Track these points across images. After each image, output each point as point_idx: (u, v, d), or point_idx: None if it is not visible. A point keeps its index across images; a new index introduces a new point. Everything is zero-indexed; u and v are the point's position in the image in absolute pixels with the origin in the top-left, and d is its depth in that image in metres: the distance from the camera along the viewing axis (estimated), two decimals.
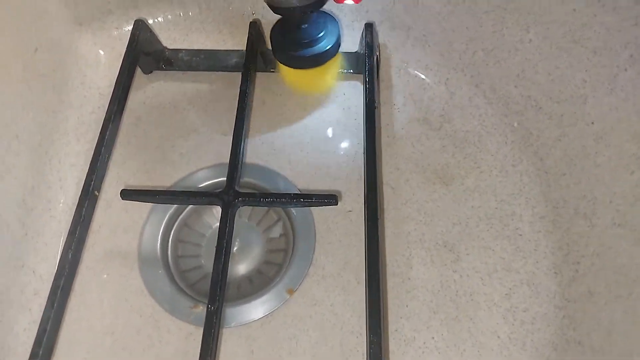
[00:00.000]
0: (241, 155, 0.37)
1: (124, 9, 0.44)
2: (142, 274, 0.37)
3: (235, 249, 0.40)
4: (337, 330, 0.35)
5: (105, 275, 0.37)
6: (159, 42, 0.45)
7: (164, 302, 0.36)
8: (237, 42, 0.47)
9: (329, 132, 0.43)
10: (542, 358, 0.32)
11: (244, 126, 0.38)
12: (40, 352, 0.29)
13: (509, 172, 0.40)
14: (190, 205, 0.41)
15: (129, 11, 0.45)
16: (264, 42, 0.46)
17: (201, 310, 0.36)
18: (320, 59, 0.39)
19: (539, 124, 0.37)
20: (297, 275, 0.37)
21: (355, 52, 0.46)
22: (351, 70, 0.46)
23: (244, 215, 0.42)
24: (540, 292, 0.35)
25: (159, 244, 0.39)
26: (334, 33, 0.39)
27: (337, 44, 0.40)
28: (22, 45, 0.38)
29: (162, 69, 0.46)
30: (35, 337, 0.30)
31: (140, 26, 0.43)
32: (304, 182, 0.41)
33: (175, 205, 0.40)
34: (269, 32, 0.40)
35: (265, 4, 0.45)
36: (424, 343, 0.34)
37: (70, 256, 0.32)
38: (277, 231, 0.41)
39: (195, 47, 0.46)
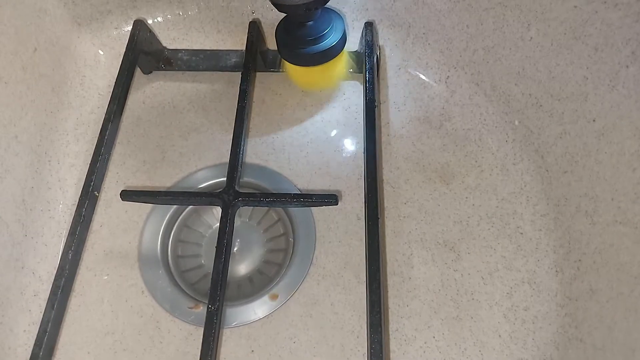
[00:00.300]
0: (241, 155, 0.37)
1: (123, 8, 0.44)
2: (142, 274, 0.37)
3: (235, 249, 0.40)
4: (337, 330, 0.35)
5: (105, 276, 0.37)
6: (159, 42, 0.45)
7: (165, 302, 0.36)
8: (237, 42, 0.47)
9: (329, 131, 0.43)
10: (544, 356, 0.32)
11: (244, 126, 0.38)
12: (41, 353, 0.29)
13: (510, 170, 0.39)
14: (190, 206, 0.41)
15: (128, 11, 0.45)
16: (264, 42, 0.46)
17: (201, 310, 0.36)
18: (327, 56, 0.39)
19: (539, 121, 0.37)
20: (298, 275, 0.37)
21: (356, 51, 0.46)
22: (351, 70, 0.46)
23: (244, 215, 0.42)
24: (542, 291, 0.35)
25: (159, 244, 0.39)
26: (340, 29, 0.39)
27: (343, 40, 0.39)
28: (21, 45, 0.38)
29: (161, 69, 0.46)
30: (36, 338, 0.30)
31: (139, 26, 0.43)
32: (304, 182, 0.41)
33: (176, 205, 0.40)
34: (274, 31, 0.40)
35: (264, 4, 0.45)
36: (425, 342, 0.34)
37: (70, 257, 0.32)
38: (277, 231, 0.41)
39: (195, 47, 0.46)
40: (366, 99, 0.40)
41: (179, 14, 0.46)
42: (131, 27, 0.43)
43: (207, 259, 0.40)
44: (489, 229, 0.38)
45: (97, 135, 0.39)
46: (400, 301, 0.36)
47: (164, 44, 0.46)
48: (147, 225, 0.39)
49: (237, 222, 0.40)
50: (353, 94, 0.45)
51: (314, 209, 0.39)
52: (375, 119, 0.38)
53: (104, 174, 0.37)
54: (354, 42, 0.46)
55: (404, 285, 0.36)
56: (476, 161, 0.41)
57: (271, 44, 0.47)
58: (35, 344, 0.29)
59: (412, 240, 0.38)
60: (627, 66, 0.29)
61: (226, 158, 0.41)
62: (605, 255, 0.30)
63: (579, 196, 0.33)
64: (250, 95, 0.41)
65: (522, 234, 0.37)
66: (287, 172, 0.41)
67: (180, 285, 0.38)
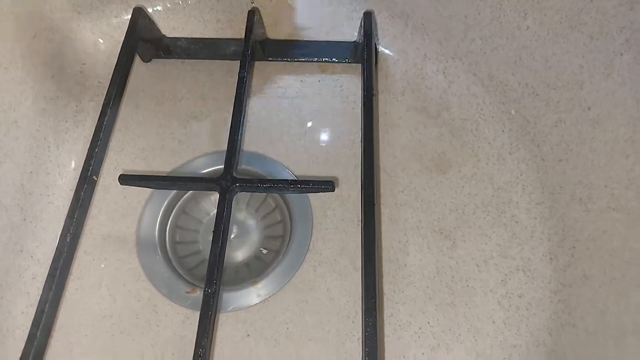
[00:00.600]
0: (239, 142, 0.37)
1: None
2: (140, 259, 0.38)
3: (233, 235, 0.40)
4: (333, 315, 0.35)
5: (103, 260, 0.37)
6: (158, 30, 0.45)
7: (162, 287, 0.37)
8: (236, 30, 0.47)
9: (327, 120, 0.43)
10: (537, 342, 0.33)
11: (242, 113, 0.38)
12: (38, 333, 0.29)
13: (506, 159, 0.40)
14: (188, 193, 0.41)
15: None
16: (263, 30, 0.46)
17: (198, 294, 0.36)
18: None
19: (535, 110, 0.37)
20: (294, 261, 0.37)
21: (354, 41, 0.46)
22: (350, 60, 0.46)
23: (241, 202, 0.42)
24: (536, 278, 0.35)
25: (157, 230, 0.39)
26: None
27: None
28: (21, 32, 0.38)
29: (161, 57, 0.46)
30: (33, 319, 0.30)
31: (139, 14, 0.43)
32: (301, 170, 0.41)
33: (174, 191, 0.41)
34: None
35: None
36: (420, 328, 0.35)
37: (68, 239, 0.32)
38: (274, 218, 0.41)
39: (194, 36, 0.46)
40: (364, 88, 0.40)
41: (179, 2, 0.46)
42: (131, 15, 0.44)
43: (204, 245, 0.40)
44: (484, 217, 0.38)
45: (96, 122, 0.39)
46: (395, 287, 0.36)
47: (164, 33, 0.46)
48: (146, 211, 0.40)
49: (235, 209, 0.41)
50: (351, 83, 0.45)
51: (311, 196, 0.40)
52: (373, 108, 0.38)
53: (103, 160, 0.37)
54: (352, 34, 0.46)
55: (400, 271, 0.37)
56: (473, 150, 0.41)
57: (270, 33, 0.47)
58: (32, 324, 0.30)
59: (408, 228, 0.38)
60: (622, 54, 0.29)
61: (224, 146, 0.41)
62: (599, 241, 0.30)
63: (574, 184, 0.33)
64: (248, 83, 0.41)
65: (517, 222, 0.37)
66: (285, 160, 0.41)
67: (178, 270, 0.38)
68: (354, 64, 0.46)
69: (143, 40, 0.44)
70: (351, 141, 0.42)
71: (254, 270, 0.39)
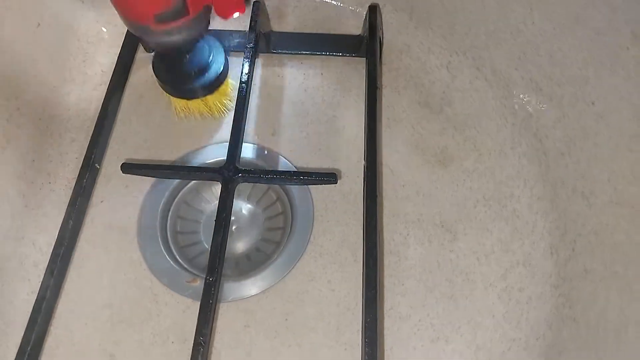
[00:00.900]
0: (242, 133, 0.37)
1: None
2: (141, 249, 0.38)
3: (234, 227, 0.40)
4: (333, 307, 0.35)
5: (104, 249, 0.37)
6: None
7: (163, 277, 0.37)
8: (240, 22, 0.47)
9: (330, 113, 0.43)
10: (537, 336, 0.33)
11: (246, 104, 0.38)
12: (39, 319, 0.29)
13: (508, 154, 0.40)
14: (190, 183, 0.41)
15: None
16: (268, 22, 0.46)
17: (199, 284, 0.36)
18: (213, 86, 0.39)
19: (539, 105, 0.37)
20: (295, 252, 0.37)
21: (358, 35, 0.46)
22: (354, 54, 0.46)
23: (243, 194, 0.42)
24: (536, 272, 0.35)
25: (158, 220, 0.39)
26: (220, 56, 0.39)
27: (226, 68, 0.40)
28: (25, 20, 0.38)
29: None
30: (34, 304, 0.30)
31: None
32: (303, 163, 0.41)
33: (175, 182, 0.40)
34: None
35: None
36: (419, 320, 0.35)
37: (70, 226, 0.32)
38: (276, 210, 0.41)
39: None
40: (368, 82, 0.40)
41: None
42: None
43: (205, 236, 0.40)
44: (485, 212, 0.38)
45: (99, 110, 0.39)
46: (395, 280, 0.36)
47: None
48: (147, 201, 0.40)
49: (236, 200, 0.41)
50: (355, 77, 0.45)
51: (312, 189, 0.40)
52: (376, 101, 0.38)
53: (105, 148, 0.37)
54: (357, 27, 0.46)
55: (400, 264, 0.37)
56: (475, 145, 0.41)
57: (275, 25, 0.47)
58: (33, 310, 0.30)
59: (409, 221, 0.38)
60: (628, 48, 0.29)
61: (227, 138, 0.41)
62: (601, 235, 0.30)
63: (576, 178, 0.33)
64: (252, 75, 0.41)
65: (518, 216, 0.37)
66: (287, 153, 0.41)
67: (179, 260, 0.38)
68: (358, 58, 0.46)
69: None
70: (354, 135, 0.42)
71: (255, 261, 0.39)
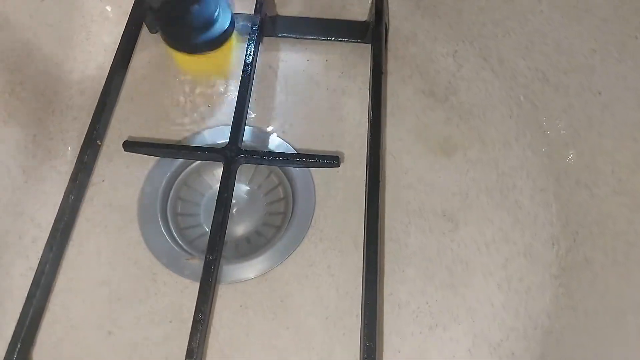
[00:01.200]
0: (245, 115, 0.37)
1: None
2: (141, 228, 0.37)
3: (234, 210, 0.40)
4: (332, 291, 0.35)
5: (103, 227, 0.37)
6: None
7: (162, 256, 0.36)
8: (246, 5, 0.46)
9: (333, 99, 0.43)
10: (535, 325, 0.33)
11: (249, 86, 0.38)
12: (37, 293, 0.29)
13: (512, 145, 0.40)
14: (191, 165, 0.41)
15: None
16: (274, 6, 0.46)
17: (197, 263, 0.36)
18: (217, 42, 0.39)
19: (545, 96, 0.37)
20: (296, 236, 0.37)
21: (364, 21, 0.46)
22: (359, 40, 0.45)
23: (244, 178, 0.42)
24: (537, 263, 0.35)
25: (158, 200, 0.39)
26: (227, 12, 0.39)
27: (232, 25, 0.40)
28: None
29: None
30: (33, 278, 0.30)
31: None
32: (305, 147, 0.41)
33: (177, 163, 0.40)
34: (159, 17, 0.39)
35: None
36: (418, 307, 0.35)
37: (70, 201, 0.32)
38: (277, 194, 0.41)
39: None
40: (372, 67, 0.40)
41: None
42: None
43: (205, 219, 0.40)
44: (487, 202, 0.38)
45: (102, 89, 0.39)
46: (395, 266, 0.36)
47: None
48: (148, 181, 0.39)
49: (238, 184, 0.40)
50: (359, 64, 0.45)
51: (314, 174, 0.40)
52: (381, 86, 0.38)
53: (107, 125, 0.37)
54: (362, 14, 0.46)
55: (401, 251, 0.37)
56: (479, 135, 0.41)
57: (280, 9, 0.46)
58: (32, 284, 0.30)
59: (410, 209, 0.38)
60: (636, 37, 0.29)
61: (229, 120, 0.41)
62: (602, 225, 0.30)
63: (579, 169, 0.33)
64: (256, 57, 0.41)
65: (520, 207, 0.37)
66: (290, 138, 0.41)
67: (178, 241, 0.38)
68: (363, 44, 0.45)
69: (151, 10, 0.43)
70: (357, 121, 0.42)
71: (255, 245, 0.39)
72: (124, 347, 0.33)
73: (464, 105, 0.42)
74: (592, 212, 0.31)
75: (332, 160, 0.35)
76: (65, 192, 0.32)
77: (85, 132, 0.36)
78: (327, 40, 0.45)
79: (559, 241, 0.34)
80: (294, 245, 0.37)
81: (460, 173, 0.39)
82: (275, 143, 0.41)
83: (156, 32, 0.46)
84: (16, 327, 0.28)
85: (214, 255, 0.30)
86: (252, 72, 0.39)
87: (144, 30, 0.45)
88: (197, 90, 0.43)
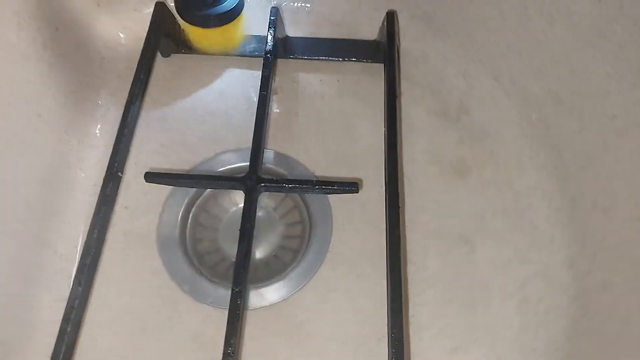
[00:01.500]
0: (263, 141, 0.37)
1: None
2: (161, 256, 0.38)
3: None
4: (353, 316, 0.36)
5: (125, 256, 0.37)
6: (179, 26, 0.45)
7: (183, 284, 0.37)
8: (256, 27, 0.47)
9: (347, 121, 0.43)
10: (556, 346, 0.33)
11: (266, 113, 0.39)
12: (68, 329, 0.30)
13: (526, 165, 0.40)
14: (208, 190, 0.41)
15: None
16: (283, 27, 0.46)
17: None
18: (227, 17, 0.41)
19: (558, 117, 0.37)
20: (314, 261, 0.38)
21: (374, 40, 0.46)
22: (370, 60, 0.46)
23: (260, 201, 0.42)
24: (555, 284, 0.35)
25: (177, 227, 0.39)
26: None
27: (242, 1, 0.41)
28: (43, 23, 0.38)
29: (181, 53, 0.46)
30: (64, 314, 0.30)
31: (161, 9, 0.43)
32: (320, 170, 0.41)
33: (193, 189, 0.41)
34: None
35: None
36: (440, 330, 0.35)
37: (95, 235, 0.32)
38: (294, 217, 0.41)
39: None
40: (387, 90, 0.40)
41: None
42: (151, 9, 0.43)
43: (224, 243, 0.41)
44: (503, 223, 0.39)
45: (117, 117, 0.39)
46: (415, 289, 0.36)
47: (184, 28, 0.46)
48: (166, 208, 0.40)
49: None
50: (371, 83, 0.45)
51: (331, 197, 0.40)
52: (396, 110, 0.39)
53: (127, 158, 0.37)
54: (372, 32, 0.46)
55: (419, 274, 0.37)
56: (492, 155, 0.41)
57: (290, 30, 0.47)
58: (63, 320, 0.30)
59: (427, 231, 0.39)
60: None
61: (244, 144, 0.41)
62: (622, 249, 0.31)
63: (596, 192, 0.34)
64: (271, 83, 0.41)
65: (536, 228, 0.38)
66: (305, 160, 0.42)
67: (198, 267, 0.38)
68: (374, 64, 0.46)
69: (164, 36, 0.43)
70: (371, 142, 0.42)
71: (273, 269, 0.39)
72: None
73: (476, 125, 0.43)
74: (611, 237, 0.32)
75: (351, 186, 0.35)
76: (90, 227, 0.33)
77: (106, 162, 0.36)
78: (338, 60, 0.46)
79: (577, 263, 0.35)
80: (313, 270, 0.38)
81: (475, 194, 0.40)
82: (291, 166, 0.41)
83: (168, 57, 0.46)
84: None
85: (240, 286, 0.31)
86: (268, 97, 0.39)
87: (157, 54, 0.45)
88: (210, 113, 0.44)
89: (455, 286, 0.36)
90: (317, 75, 0.46)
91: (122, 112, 0.39)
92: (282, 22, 0.46)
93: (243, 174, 0.37)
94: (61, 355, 0.28)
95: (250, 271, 0.39)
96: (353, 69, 0.46)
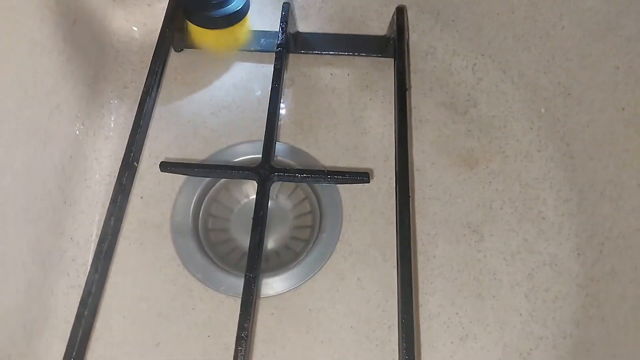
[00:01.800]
0: (276, 132, 0.38)
1: None
2: (175, 245, 0.39)
3: None
4: (363, 304, 0.36)
5: (139, 245, 0.38)
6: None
7: (197, 272, 0.38)
8: (266, 22, 0.47)
9: (357, 114, 0.44)
10: (564, 334, 0.34)
11: (278, 104, 0.39)
12: (86, 313, 0.30)
13: (534, 157, 0.41)
14: (220, 181, 0.42)
15: None
16: (294, 23, 0.47)
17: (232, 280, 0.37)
18: (233, 19, 0.42)
19: (567, 109, 0.38)
20: (325, 250, 0.38)
21: (384, 35, 0.47)
22: (379, 54, 0.46)
23: (271, 191, 0.43)
24: (563, 273, 0.36)
25: (190, 217, 0.40)
26: None
27: (247, 3, 0.43)
28: (62, 16, 0.38)
29: (193, 48, 0.46)
30: (80, 300, 0.31)
31: (174, 4, 0.43)
32: (331, 162, 0.42)
33: (206, 180, 0.41)
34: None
35: None
36: (449, 318, 0.36)
37: (112, 223, 0.33)
38: (304, 208, 0.42)
39: None
40: (397, 83, 0.41)
41: None
42: (164, 4, 0.44)
43: (236, 233, 0.41)
44: (511, 213, 0.39)
45: (130, 109, 0.40)
46: (425, 278, 0.37)
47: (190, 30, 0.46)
48: (179, 198, 0.40)
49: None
50: (381, 78, 0.46)
51: (341, 188, 0.41)
52: (406, 102, 0.39)
53: (142, 148, 0.38)
54: (381, 29, 0.47)
55: (429, 263, 0.38)
56: (500, 147, 0.42)
57: (301, 25, 0.47)
58: (80, 304, 0.31)
59: (436, 221, 0.39)
60: None
61: (256, 135, 0.42)
62: (629, 239, 0.31)
63: (604, 182, 0.34)
64: (283, 76, 0.42)
65: (544, 218, 0.38)
66: (315, 152, 0.42)
67: (211, 256, 0.39)
68: (384, 59, 0.46)
69: (177, 31, 0.44)
70: (380, 134, 0.43)
71: (284, 258, 0.40)
72: None
73: (485, 118, 0.43)
74: (619, 226, 0.32)
75: (362, 176, 0.36)
76: (106, 215, 0.33)
77: (122, 152, 0.37)
78: (348, 55, 0.46)
79: (585, 252, 0.35)
80: (323, 259, 0.38)
81: (484, 184, 0.41)
82: (301, 157, 0.42)
83: (180, 51, 0.47)
84: (67, 348, 0.29)
85: (253, 273, 0.32)
86: (280, 90, 0.40)
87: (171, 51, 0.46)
88: (223, 106, 0.44)
89: (464, 275, 0.37)
90: (328, 70, 0.46)
91: (135, 104, 0.40)
92: (294, 18, 0.47)
93: (256, 165, 0.37)
94: (78, 339, 0.29)
95: (262, 261, 0.40)
96: (363, 63, 0.47)
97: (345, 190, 0.40)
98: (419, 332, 0.35)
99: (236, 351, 0.29)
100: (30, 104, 0.33)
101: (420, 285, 0.37)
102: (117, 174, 0.35)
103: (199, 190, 0.41)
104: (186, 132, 0.43)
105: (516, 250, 0.38)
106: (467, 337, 0.35)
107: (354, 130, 0.43)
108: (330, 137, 0.43)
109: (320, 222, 0.40)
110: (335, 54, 0.47)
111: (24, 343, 0.33)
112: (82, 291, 0.31)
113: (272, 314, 0.36)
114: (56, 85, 0.37)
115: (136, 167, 0.36)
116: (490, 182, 0.41)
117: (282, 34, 0.43)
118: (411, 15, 0.46)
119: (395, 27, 0.44)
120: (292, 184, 0.42)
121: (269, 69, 0.42)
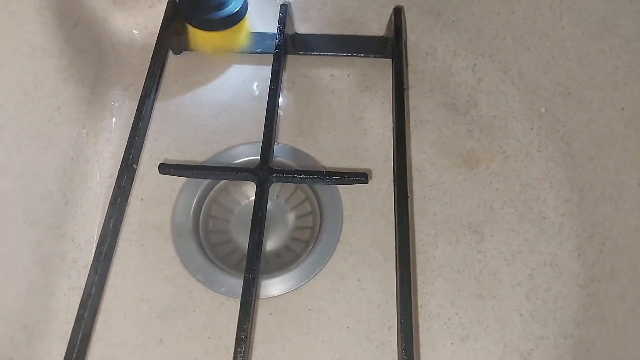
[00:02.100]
0: (274, 134, 0.38)
1: None
2: (175, 246, 0.39)
3: None
4: (364, 304, 0.36)
5: (140, 246, 0.38)
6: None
7: (197, 273, 0.38)
8: (265, 24, 0.47)
9: (356, 114, 0.44)
10: (565, 334, 0.34)
11: (277, 105, 0.39)
12: (86, 315, 0.30)
13: (535, 157, 0.40)
14: (220, 183, 0.42)
15: None
16: (292, 25, 0.47)
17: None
18: (231, 21, 0.43)
19: (567, 109, 0.38)
20: (325, 251, 0.38)
21: (382, 36, 0.47)
22: (378, 55, 0.46)
23: (272, 192, 0.43)
24: (563, 273, 0.36)
25: (190, 219, 0.40)
26: None
27: (245, 5, 0.43)
28: (64, 19, 0.39)
29: (191, 50, 0.46)
30: (80, 301, 0.31)
31: (172, 7, 0.43)
32: (331, 163, 0.42)
33: (206, 182, 0.41)
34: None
35: None
36: (449, 319, 0.36)
37: (111, 225, 0.33)
38: (304, 209, 0.42)
39: None
40: (395, 83, 0.41)
41: None
42: (164, 6, 0.44)
43: (236, 234, 0.41)
44: (512, 213, 0.39)
45: (131, 111, 0.40)
46: (425, 279, 0.37)
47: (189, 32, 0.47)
48: (180, 199, 0.41)
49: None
50: (380, 78, 0.46)
51: (341, 189, 0.41)
52: (404, 102, 0.39)
53: (141, 150, 0.38)
54: (380, 28, 0.47)
55: (429, 264, 0.38)
56: (501, 147, 0.42)
57: (300, 27, 0.48)
58: (80, 306, 0.31)
59: (436, 222, 0.39)
60: None
61: (256, 137, 0.42)
62: (629, 238, 0.31)
63: (604, 182, 0.34)
64: (281, 77, 0.42)
65: (544, 218, 0.38)
66: (315, 153, 0.42)
67: (211, 257, 0.39)
68: (383, 59, 0.46)
69: (176, 34, 0.44)
70: (380, 135, 0.43)
71: (285, 260, 0.40)
72: None
73: (485, 118, 0.43)
74: (618, 226, 0.32)
75: (360, 177, 0.36)
76: (106, 217, 0.34)
77: (121, 154, 0.37)
78: (347, 55, 0.46)
79: (585, 252, 0.35)
80: (324, 260, 0.38)
81: (484, 185, 0.40)
82: (301, 158, 0.42)
83: (179, 53, 0.47)
84: (67, 350, 0.29)
85: (252, 274, 0.32)
86: (278, 91, 0.40)
87: (169, 51, 0.46)
88: (223, 108, 0.44)
89: (464, 276, 0.37)
90: (327, 71, 0.46)
91: (136, 106, 0.40)
92: (292, 19, 0.47)
93: (255, 166, 0.37)
94: (78, 341, 0.29)
95: (262, 262, 0.40)
96: (362, 64, 0.47)
97: (346, 191, 0.41)
98: (418, 332, 0.35)
99: (235, 352, 0.29)
100: (32, 107, 0.33)
101: (421, 285, 0.37)
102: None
103: (199, 192, 0.41)
104: (186, 134, 0.43)
105: (517, 250, 0.38)
106: (467, 337, 0.35)
107: (354, 131, 0.43)
108: (330, 138, 0.43)
109: (321, 223, 0.40)
110: (335, 55, 0.47)
111: (25, 345, 0.33)
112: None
113: (272, 314, 0.36)
114: (57, 88, 0.37)
115: (135, 169, 0.36)
116: (490, 182, 0.40)
117: (280, 35, 0.43)
118: (411, 16, 0.46)
119: (392, 28, 0.44)
120: (293, 185, 0.43)
121: (268, 70, 0.42)
